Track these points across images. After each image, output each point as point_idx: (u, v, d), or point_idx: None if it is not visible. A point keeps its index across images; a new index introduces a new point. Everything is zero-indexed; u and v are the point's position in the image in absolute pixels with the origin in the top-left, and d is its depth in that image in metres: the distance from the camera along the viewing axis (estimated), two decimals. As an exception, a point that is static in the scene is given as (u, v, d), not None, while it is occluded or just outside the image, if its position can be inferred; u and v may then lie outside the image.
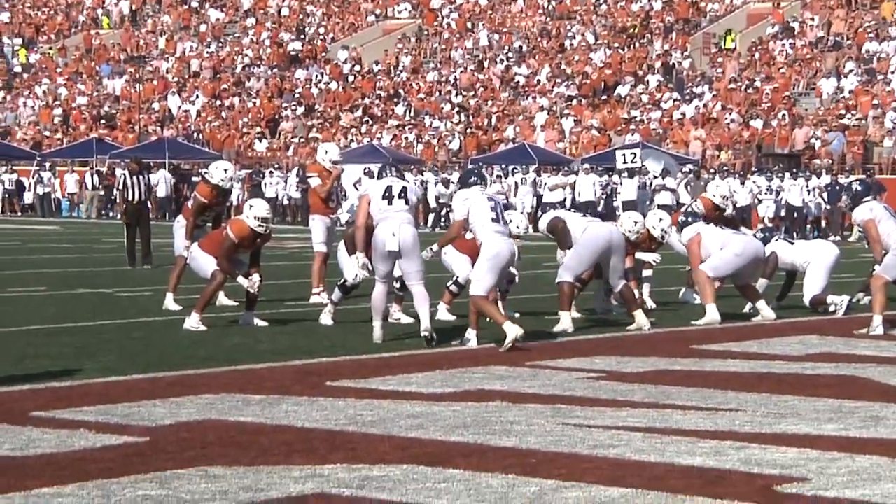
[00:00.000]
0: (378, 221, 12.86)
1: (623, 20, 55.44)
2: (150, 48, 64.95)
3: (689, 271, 16.28)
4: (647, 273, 16.51)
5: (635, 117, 47.06)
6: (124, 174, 25.21)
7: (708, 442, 7.87)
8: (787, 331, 14.34)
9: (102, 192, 47.74)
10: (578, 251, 14.37)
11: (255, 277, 14.18)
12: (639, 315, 14.42)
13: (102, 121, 57.41)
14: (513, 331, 12.20)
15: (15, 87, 64.30)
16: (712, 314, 14.85)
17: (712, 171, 39.55)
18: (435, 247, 13.27)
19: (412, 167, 45.69)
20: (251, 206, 14.39)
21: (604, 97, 49.96)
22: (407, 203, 12.95)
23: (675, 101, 48.10)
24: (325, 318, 14.43)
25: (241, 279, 14.18)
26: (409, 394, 9.75)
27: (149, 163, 38.70)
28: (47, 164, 50.40)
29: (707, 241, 15.35)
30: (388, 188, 13.00)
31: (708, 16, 54.84)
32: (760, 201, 38.77)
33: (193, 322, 13.87)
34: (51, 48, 67.44)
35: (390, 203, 12.86)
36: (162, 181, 44.94)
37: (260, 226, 14.18)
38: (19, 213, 49.43)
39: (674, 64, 51.25)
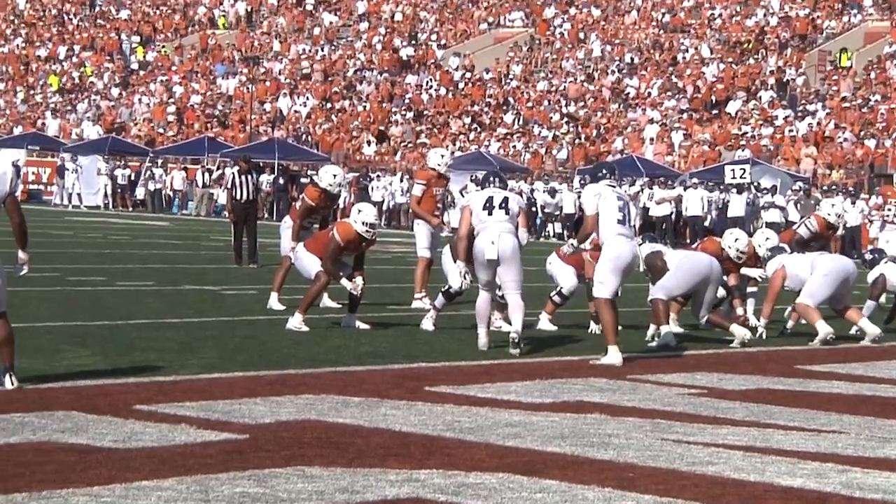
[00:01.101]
0: (479, 231, 12.87)
1: (737, 35, 54.95)
2: (263, 49, 65.60)
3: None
4: (751, 290, 16.34)
5: (746, 133, 46.60)
6: (234, 173, 25.47)
7: (809, 463, 7.76)
8: (894, 354, 14.10)
9: (213, 190, 48.28)
10: (677, 274, 14.26)
11: (359, 280, 14.25)
12: (736, 328, 14.29)
13: (215, 120, 58.08)
14: (615, 358, 12.11)
15: (131, 84, 65.29)
16: (823, 329, 14.66)
17: (823, 189, 39.03)
18: (574, 241, 13.00)
19: (519, 176, 45.66)
20: (360, 211, 14.44)
21: (715, 112, 49.54)
22: (507, 213, 12.94)
23: (787, 117, 47.56)
24: (427, 324, 14.46)
25: (344, 281, 14.25)
26: (508, 402, 9.72)
27: (258, 162, 39.05)
28: (159, 161, 51.08)
29: (794, 269, 15.19)
30: (490, 199, 13.00)
31: (824, 33, 54.17)
32: (871, 222, 38.20)
33: (296, 322, 13.96)
34: (166, 47, 68.38)
35: (490, 213, 12.87)
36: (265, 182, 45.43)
37: (367, 231, 14.25)
38: (130, 209, 50.16)
39: (787, 80, 50.68)
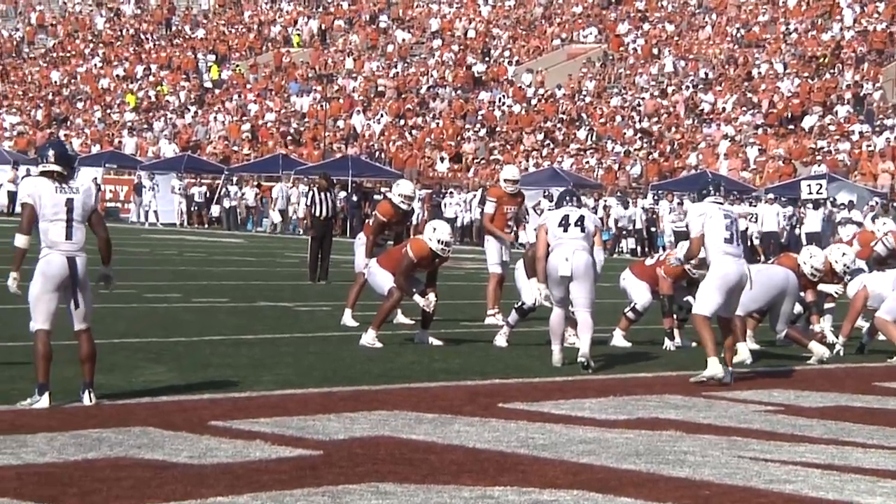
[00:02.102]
0: (553, 248, 12.85)
1: (813, 49, 54.50)
2: (337, 67, 65.93)
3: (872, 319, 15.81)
4: (829, 306, 16.18)
5: (822, 148, 46.18)
6: (313, 190, 25.59)
7: (889, 482, 7.65)
8: (976, 371, 13.89)
9: (288, 208, 48.57)
10: (753, 289, 14.11)
11: (432, 297, 14.25)
12: (815, 346, 14.15)
13: (289, 137, 58.43)
14: (716, 369, 11.96)
15: (207, 102, 65.86)
16: None
17: (901, 205, 38.57)
18: (680, 256, 13.12)
19: (592, 192, 45.53)
20: (435, 230, 14.44)
21: (790, 127, 49.14)
22: (583, 231, 12.91)
23: (864, 132, 47.08)
24: (500, 340, 14.43)
25: (417, 297, 14.26)
26: (582, 419, 9.68)
27: (334, 180, 39.23)
28: (234, 179, 51.45)
29: (875, 288, 15.02)
30: (566, 216, 12.99)
31: (902, 46, 53.61)
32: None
33: (370, 339, 13.98)
34: (241, 65, 68.93)
35: (566, 230, 12.85)
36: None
37: (442, 249, 14.26)
38: (206, 226, 50.54)
39: (864, 95, 50.17)
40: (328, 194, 24.89)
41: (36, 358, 9.38)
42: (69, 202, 9.50)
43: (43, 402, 9.28)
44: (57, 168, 9.58)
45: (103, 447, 7.94)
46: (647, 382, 12.01)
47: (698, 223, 12.26)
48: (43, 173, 9.56)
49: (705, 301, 12.17)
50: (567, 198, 13.50)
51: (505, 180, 17.47)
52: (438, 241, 14.25)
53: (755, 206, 39.66)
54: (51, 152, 9.64)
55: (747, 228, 39.53)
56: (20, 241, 9.42)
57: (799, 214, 39.02)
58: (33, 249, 9.51)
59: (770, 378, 12.76)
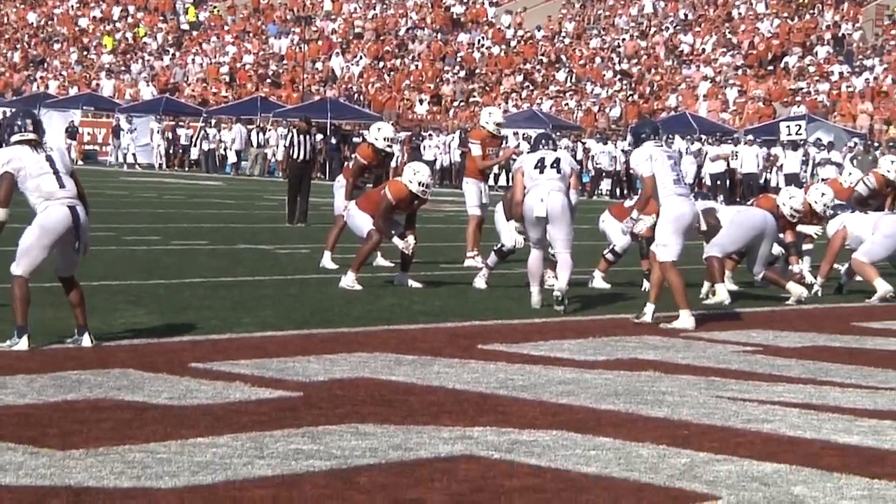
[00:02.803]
0: (528, 189, 12.85)
1: (793, -10, 54.35)
2: (316, 9, 65.55)
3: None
4: (807, 247, 16.22)
5: (802, 89, 46.17)
6: (291, 133, 25.50)
7: (866, 421, 7.71)
8: (952, 311, 13.97)
9: (266, 150, 48.45)
10: (731, 230, 14.13)
11: (411, 239, 14.26)
12: (792, 286, 14.21)
13: (267, 80, 58.17)
14: (688, 322, 11.93)
15: (184, 44, 65.47)
16: (883, 287, 14.54)
17: (877, 145, 38.65)
18: (634, 213, 12.59)
19: (570, 134, 45.50)
20: (416, 172, 14.42)
21: (770, 68, 49.10)
22: (559, 172, 12.91)
23: (843, 73, 47.07)
24: (479, 282, 14.46)
25: (396, 240, 14.26)
26: (561, 360, 9.72)
27: (315, 123, 39.11)
28: (212, 121, 51.25)
29: (855, 229, 15.08)
30: (542, 159, 13.01)
31: (881, -13, 53.49)
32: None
33: (349, 281, 13.99)
34: (218, 7, 68.46)
35: (542, 172, 12.85)
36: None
37: (422, 191, 14.26)
38: (186, 169, 50.36)
39: (844, 35, 50.12)
40: (306, 137, 24.81)
41: (14, 301, 9.37)
42: (49, 158, 9.50)
43: (22, 344, 9.28)
44: (35, 137, 9.57)
45: (83, 389, 7.94)
46: (625, 324, 12.04)
47: (646, 166, 12.17)
48: (20, 142, 9.51)
49: (668, 247, 12.09)
50: (543, 140, 13.58)
51: (496, 124, 17.49)
52: (419, 184, 14.24)
53: (733, 146, 39.69)
54: (28, 121, 9.60)
55: (725, 170, 39.63)
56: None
57: (775, 156, 39.04)
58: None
59: (748, 319, 12.81)
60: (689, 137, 42.11)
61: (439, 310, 12.55)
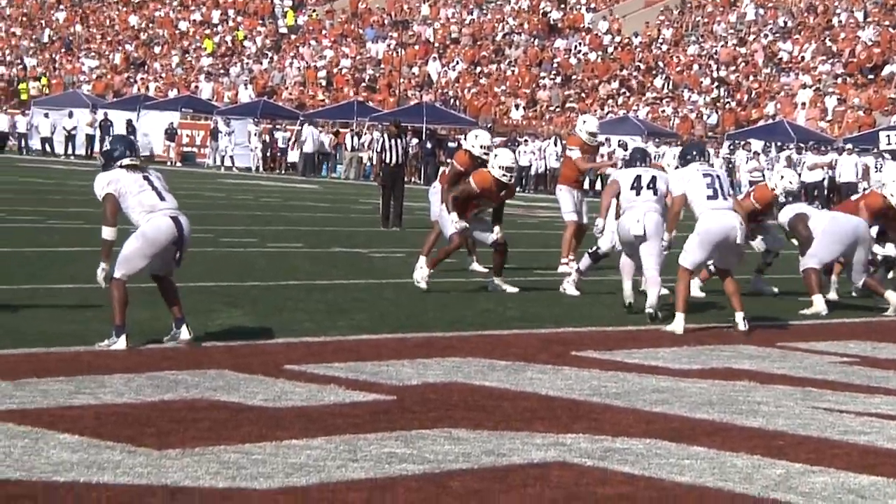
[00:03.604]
0: (625, 210, 12.95)
1: (895, -3, 53.64)
2: (413, 14, 65.77)
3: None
4: None
5: (903, 98, 45.51)
6: (383, 137, 25.59)
7: (965, 436, 7.58)
8: None
9: (362, 154, 48.67)
10: (824, 240, 14.01)
11: (497, 229, 14.21)
12: (891, 295, 14.03)
13: (364, 84, 58.46)
14: (679, 326, 11.82)
15: (283, 48, 66.00)
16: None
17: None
18: (666, 235, 12.57)
19: (669, 141, 45.24)
20: (496, 156, 14.38)
21: (870, 76, 48.46)
22: (655, 193, 13.00)
23: (946, 82, 46.34)
24: (569, 288, 14.40)
25: (481, 235, 14.26)
26: (655, 368, 9.67)
27: (406, 126, 39.24)
28: (309, 126, 51.57)
29: None
30: (638, 178, 13.06)
31: None
32: None
33: (422, 274, 13.96)
34: (317, 11, 68.92)
35: (638, 193, 12.95)
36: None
37: (504, 175, 14.16)
38: (282, 171, 50.75)
39: (947, 43, 49.35)
40: (399, 141, 24.89)
41: (113, 302, 9.54)
42: (146, 177, 9.76)
43: (120, 343, 9.43)
44: (134, 161, 9.81)
45: (180, 389, 8.04)
46: (721, 333, 11.96)
47: (681, 186, 12.31)
48: (121, 167, 9.72)
49: (688, 253, 12.15)
50: (638, 157, 13.64)
51: (589, 133, 17.43)
52: (500, 168, 14.14)
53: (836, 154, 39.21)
54: (128, 149, 9.87)
55: (824, 179, 39.17)
56: (107, 233, 9.60)
57: (876, 165, 38.52)
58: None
59: (846, 329, 12.66)
60: (779, 145, 41.71)
61: (533, 316, 12.53)
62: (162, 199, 9.69)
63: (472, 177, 14.36)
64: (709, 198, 12.18)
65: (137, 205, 9.62)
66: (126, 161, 9.74)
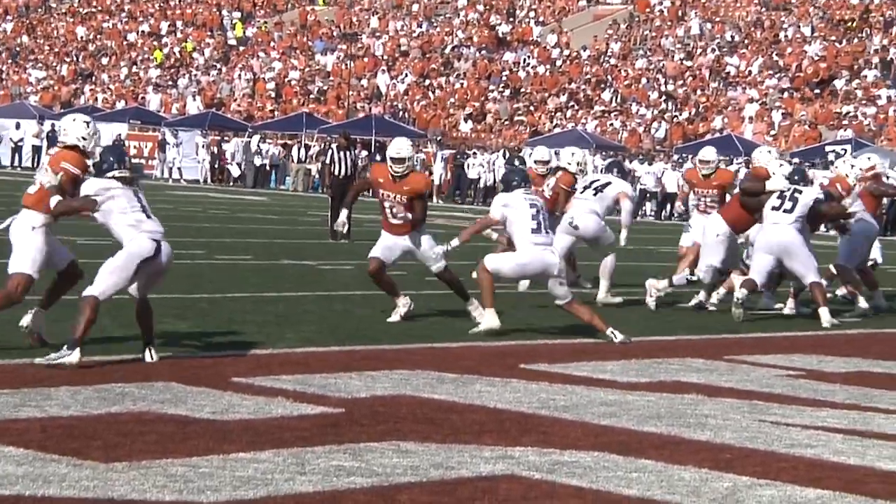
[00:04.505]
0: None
1: (841, 13, 54.14)
2: (362, 26, 65.78)
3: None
4: None
5: (848, 112, 45.94)
6: (332, 149, 25.55)
7: (910, 448, 7.64)
8: None
9: (310, 166, 48.58)
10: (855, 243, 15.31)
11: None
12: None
13: (312, 96, 58.37)
14: (490, 321, 12.03)
15: (231, 59, 65.81)
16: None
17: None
18: (455, 241, 12.38)
19: (617, 154, 45.44)
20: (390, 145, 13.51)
21: (817, 91, 48.90)
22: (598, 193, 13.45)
23: (891, 97, 46.81)
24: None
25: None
26: (604, 381, 9.69)
27: (355, 139, 39.22)
28: (256, 137, 51.44)
29: None
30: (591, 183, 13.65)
31: (931, 10, 53.19)
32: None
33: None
34: (266, 22, 68.79)
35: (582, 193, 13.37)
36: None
37: (390, 166, 13.08)
38: (230, 184, 50.59)
39: (892, 59, 49.85)
40: (347, 153, 24.85)
41: (81, 317, 9.24)
42: (136, 194, 9.67)
43: (74, 356, 9.18)
44: (129, 175, 9.69)
45: (127, 401, 7.98)
46: (668, 345, 12.01)
47: (499, 210, 12.22)
48: (114, 178, 9.59)
49: (497, 265, 12.20)
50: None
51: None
52: (390, 158, 13.11)
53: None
54: (126, 159, 9.79)
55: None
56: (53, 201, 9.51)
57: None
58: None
59: (792, 343, 12.74)
60: (732, 159, 42.01)
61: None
62: (149, 217, 9.59)
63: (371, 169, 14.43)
64: (533, 231, 12.07)
65: (122, 221, 9.47)
66: (116, 173, 9.56)
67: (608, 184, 15.39)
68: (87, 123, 10.16)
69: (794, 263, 14.22)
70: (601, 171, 16.66)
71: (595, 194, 15.27)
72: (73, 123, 10.12)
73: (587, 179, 15.62)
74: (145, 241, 9.49)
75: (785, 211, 14.16)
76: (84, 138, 9.97)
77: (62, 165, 9.82)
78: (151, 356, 9.57)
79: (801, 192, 14.27)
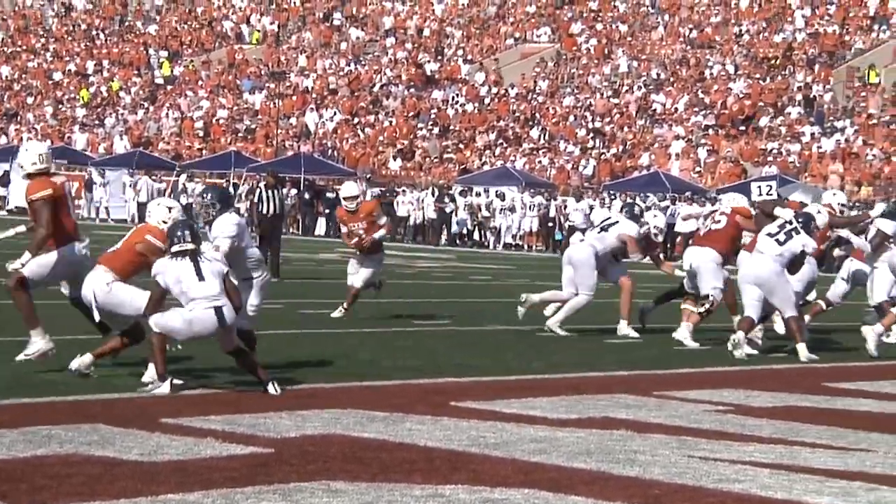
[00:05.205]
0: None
1: (765, 51, 54.86)
2: (290, 65, 65.78)
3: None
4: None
5: (773, 149, 46.49)
6: (260, 187, 25.52)
7: (837, 482, 7.72)
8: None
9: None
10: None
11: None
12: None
13: (241, 134, 58.25)
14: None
15: (159, 98, 65.55)
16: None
17: (851, 206, 38.86)
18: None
19: (543, 190, 45.68)
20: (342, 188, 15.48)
21: (742, 128, 49.45)
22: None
23: (814, 134, 47.45)
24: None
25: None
26: (533, 418, 9.71)
27: (284, 177, 39.16)
28: (184, 176, 51.24)
29: None
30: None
31: (853, 49, 54.02)
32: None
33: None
34: (193, 61, 68.63)
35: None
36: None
37: (348, 205, 16.36)
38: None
39: (815, 97, 50.56)
40: (276, 191, 24.83)
41: (154, 352, 10.16)
42: (194, 261, 10.36)
43: (165, 388, 9.94)
44: (192, 247, 10.38)
45: (53, 444, 7.90)
46: (597, 382, 12.06)
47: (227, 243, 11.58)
48: (175, 253, 10.35)
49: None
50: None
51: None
52: (344, 199, 16.39)
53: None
54: (187, 232, 10.42)
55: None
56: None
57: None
58: None
59: (720, 378, 12.83)
60: (658, 195, 42.40)
61: (412, 366, 12.53)
62: (202, 280, 10.18)
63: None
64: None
65: (180, 294, 10.24)
66: (187, 246, 10.30)
67: (615, 223, 16.37)
68: (170, 209, 11.25)
69: (772, 297, 14.42)
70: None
71: (600, 232, 16.27)
72: (157, 208, 11.34)
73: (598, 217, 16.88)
74: (203, 312, 10.15)
75: (777, 241, 14.39)
76: (164, 222, 11.02)
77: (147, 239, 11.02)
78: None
79: (798, 233, 14.39)
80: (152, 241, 10.95)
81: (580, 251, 15.99)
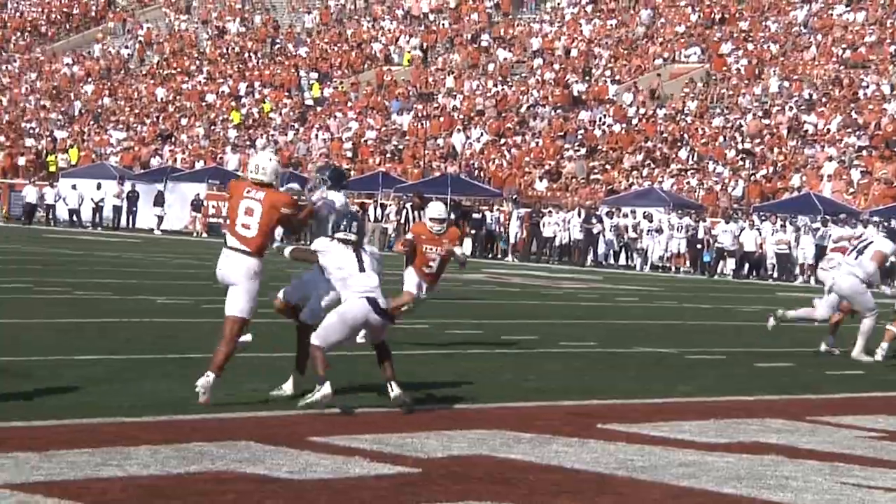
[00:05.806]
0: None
1: (920, 70, 53.75)
2: (438, 86, 66.18)
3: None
4: None
5: (928, 170, 45.48)
6: (406, 208, 25.71)
7: None
8: None
9: (385, 225, 48.79)
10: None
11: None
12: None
13: (389, 155, 58.74)
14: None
15: (308, 119, 66.42)
16: None
17: None
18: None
19: (691, 211, 45.27)
20: (429, 208, 16.20)
21: (896, 149, 48.48)
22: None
23: (971, 154, 46.30)
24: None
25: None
26: (682, 441, 9.61)
27: (430, 198, 39.38)
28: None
29: None
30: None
31: None
32: None
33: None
34: (343, 83, 69.42)
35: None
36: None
37: (434, 226, 15.80)
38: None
39: (972, 116, 49.37)
40: (422, 212, 24.96)
41: (315, 359, 10.39)
42: (358, 256, 10.71)
43: (325, 389, 10.13)
44: (355, 238, 10.76)
45: (205, 461, 8.02)
46: (748, 406, 11.89)
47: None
48: (341, 240, 10.74)
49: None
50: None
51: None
52: (431, 220, 15.85)
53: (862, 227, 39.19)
54: (354, 223, 10.87)
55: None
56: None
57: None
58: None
59: (874, 404, 12.58)
60: (809, 217, 41.79)
61: (557, 387, 12.49)
62: (362, 271, 10.55)
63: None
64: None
65: (338, 280, 10.59)
66: (350, 237, 10.68)
67: (870, 243, 16.66)
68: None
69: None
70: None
71: (856, 257, 16.40)
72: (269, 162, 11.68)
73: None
74: (356, 301, 10.43)
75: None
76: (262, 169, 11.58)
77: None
78: (395, 389, 10.47)
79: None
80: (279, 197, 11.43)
81: (844, 281, 16.26)
